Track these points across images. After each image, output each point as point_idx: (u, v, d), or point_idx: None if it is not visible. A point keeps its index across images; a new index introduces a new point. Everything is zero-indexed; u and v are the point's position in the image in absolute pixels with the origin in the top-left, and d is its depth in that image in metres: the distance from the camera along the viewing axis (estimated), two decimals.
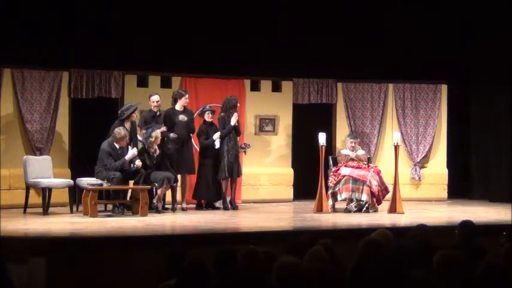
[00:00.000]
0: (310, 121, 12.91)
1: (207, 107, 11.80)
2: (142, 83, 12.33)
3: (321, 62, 13.07)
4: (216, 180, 11.57)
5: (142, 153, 10.93)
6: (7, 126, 11.35)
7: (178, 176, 11.28)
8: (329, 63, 13.12)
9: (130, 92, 12.09)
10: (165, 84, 12.44)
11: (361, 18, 13.16)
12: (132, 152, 10.61)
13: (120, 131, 10.59)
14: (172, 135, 11.23)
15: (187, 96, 11.56)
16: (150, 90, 12.08)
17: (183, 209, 11.31)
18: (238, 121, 11.67)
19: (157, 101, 11.30)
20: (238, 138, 11.77)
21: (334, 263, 5.16)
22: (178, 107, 11.48)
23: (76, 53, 11.76)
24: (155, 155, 10.94)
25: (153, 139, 10.91)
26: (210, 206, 11.63)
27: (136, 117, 11.18)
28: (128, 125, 10.93)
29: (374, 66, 13.22)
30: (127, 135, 10.65)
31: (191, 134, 11.66)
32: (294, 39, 12.93)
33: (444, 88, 13.60)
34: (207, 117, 11.61)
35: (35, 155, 11.33)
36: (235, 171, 11.57)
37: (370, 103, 13.50)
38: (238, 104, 11.76)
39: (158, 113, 11.35)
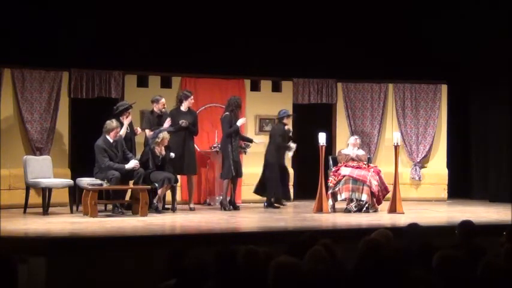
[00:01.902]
0: (310, 121, 12.90)
1: (286, 111, 11.98)
2: (142, 83, 12.34)
3: (321, 62, 13.07)
4: (283, 176, 11.80)
5: (147, 153, 10.93)
6: (7, 126, 11.36)
7: (179, 177, 11.29)
8: (329, 63, 13.13)
9: (130, 92, 12.09)
10: (165, 84, 12.45)
11: (361, 18, 13.16)
12: (134, 163, 10.60)
13: (112, 122, 10.60)
14: (181, 122, 11.21)
15: (192, 97, 11.57)
16: (150, 90, 12.11)
17: (191, 209, 11.33)
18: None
19: (164, 104, 11.34)
20: (238, 138, 11.77)
21: (334, 263, 5.16)
22: (183, 108, 11.49)
23: (76, 53, 11.77)
24: (160, 156, 10.93)
25: (159, 140, 10.90)
26: (270, 205, 11.75)
27: (129, 115, 11.14)
28: (125, 120, 10.93)
29: (374, 66, 13.23)
30: (118, 126, 10.64)
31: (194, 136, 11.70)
32: (294, 39, 12.93)
33: (444, 88, 13.61)
34: (286, 120, 11.98)
35: (35, 155, 11.33)
36: (240, 171, 11.58)
37: (370, 103, 13.51)
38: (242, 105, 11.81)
39: (160, 113, 11.35)
